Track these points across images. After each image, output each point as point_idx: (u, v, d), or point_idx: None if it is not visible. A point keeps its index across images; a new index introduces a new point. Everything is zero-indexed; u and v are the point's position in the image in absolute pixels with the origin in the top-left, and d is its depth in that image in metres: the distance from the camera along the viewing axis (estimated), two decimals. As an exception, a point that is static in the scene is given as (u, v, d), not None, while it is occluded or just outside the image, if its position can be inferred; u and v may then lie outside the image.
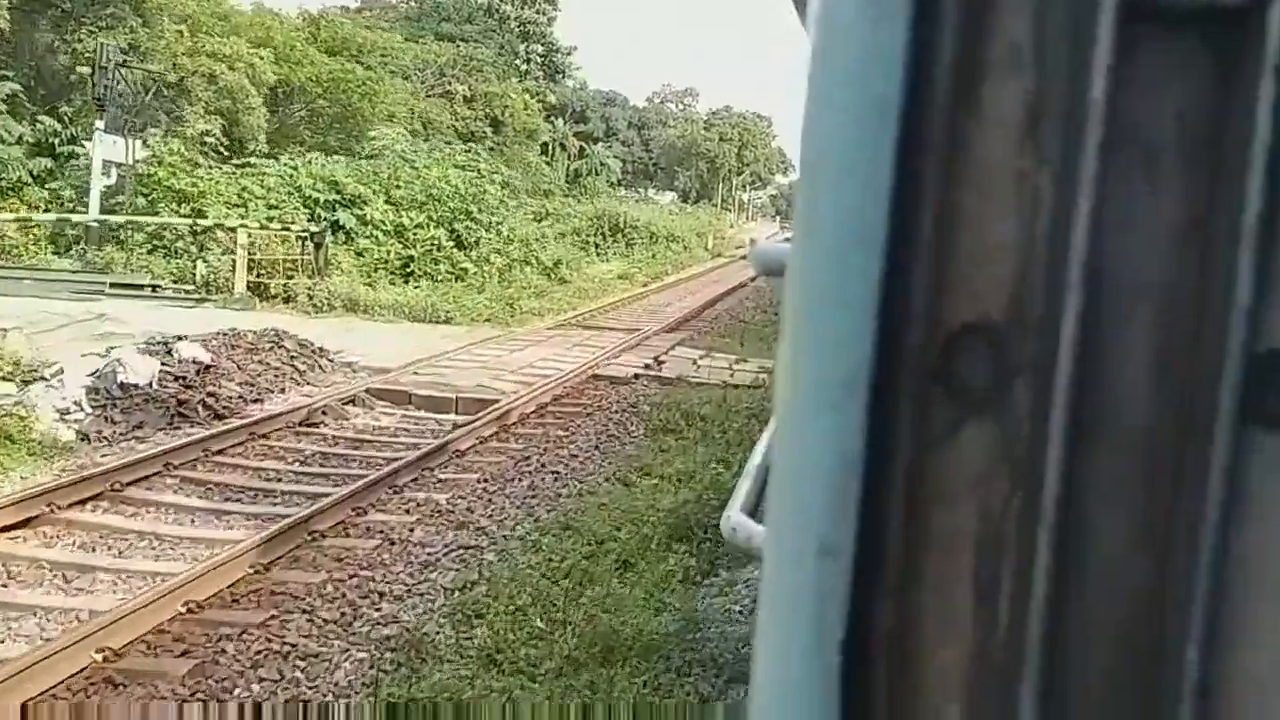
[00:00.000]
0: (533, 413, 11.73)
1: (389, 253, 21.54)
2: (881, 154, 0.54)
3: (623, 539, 7.86)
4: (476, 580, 6.75)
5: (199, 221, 18.33)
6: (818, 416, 0.57)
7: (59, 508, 7.18)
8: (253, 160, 21.75)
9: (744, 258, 54.11)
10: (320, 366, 12.96)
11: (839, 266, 0.56)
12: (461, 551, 7.29)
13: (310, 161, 21.08)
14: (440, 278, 22.10)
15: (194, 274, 18.11)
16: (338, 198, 21.14)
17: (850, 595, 0.56)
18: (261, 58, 25.56)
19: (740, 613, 6.84)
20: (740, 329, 21.39)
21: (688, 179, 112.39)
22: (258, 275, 18.56)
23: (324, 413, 10.83)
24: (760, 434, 11.32)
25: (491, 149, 52.13)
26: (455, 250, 22.81)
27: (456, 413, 11.61)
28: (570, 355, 15.41)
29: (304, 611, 5.85)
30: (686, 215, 59.43)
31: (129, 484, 7.92)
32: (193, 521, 7.52)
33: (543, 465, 9.70)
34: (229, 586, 6.07)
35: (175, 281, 17.84)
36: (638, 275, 34.63)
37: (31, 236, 18.98)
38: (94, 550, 6.73)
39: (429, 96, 51.10)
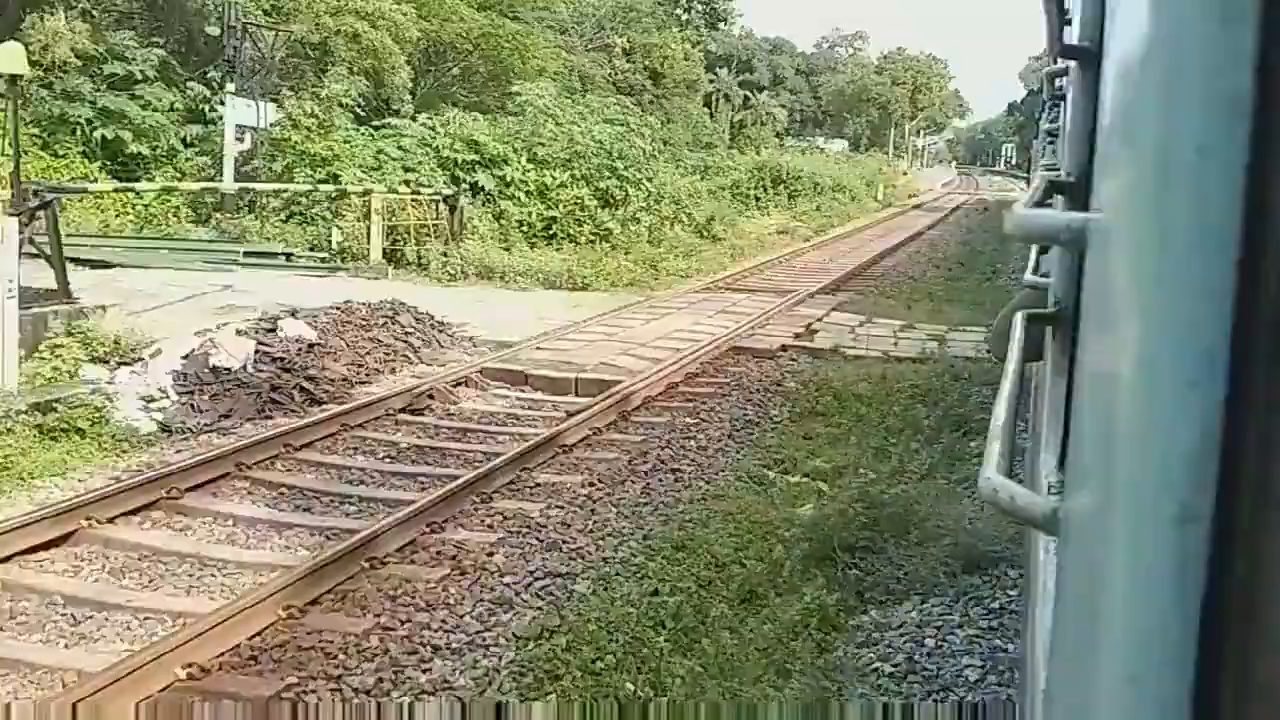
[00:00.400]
0: (660, 394, 10.45)
1: (530, 214, 20.56)
2: (1236, 148, 0.56)
3: (749, 563, 6.50)
4: (559, 625, 5.53)
5: (321, 187, 17.74)
6: (1177, 392, 0.59)
7: (98, 522, 6.34)
8: (391, 121, 21.08)
9: (916, 207, 51.19)
10: (439, 342, 12.00)
11: (1197, 254, 0.58)
12: (548, 581, 6.08)
13: (449, 121, 20.24)
14: (583, 239, 21.00)
15: (329, 241, 17.55)
16: (477, 158, 20.24)
17: (1208, 559, 0.58)
18: (405, 14, 24.86)
19: (891, 675, 5.39)
20: (908, 289, 19.52)
21: (857, 126, 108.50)
22: (393, 241, 17.87)
23: (431, 396, 9.83)
24: (927, 413, 9.73)
25: (651, 102, 51.03)
26: (600, 210, 21.64)
27: (576, 394, 10.45)
28: (710, 324, 14.03)
29: (329, 678, 4.74)
30: (854, 163, 56.72)
31: (189, 489, 7.06)
32: (247, 539, 6.56)
33: (662, 462, 8.41)
34: (250, 638, 5.03)
35: (311, 249, 17.30)
36: (799, 229, 32.84)
37: (170, 206, 18.84)
38: (121, 578, 5.83)
39: (587, 50, 50.12)
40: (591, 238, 21.21)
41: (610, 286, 17.64)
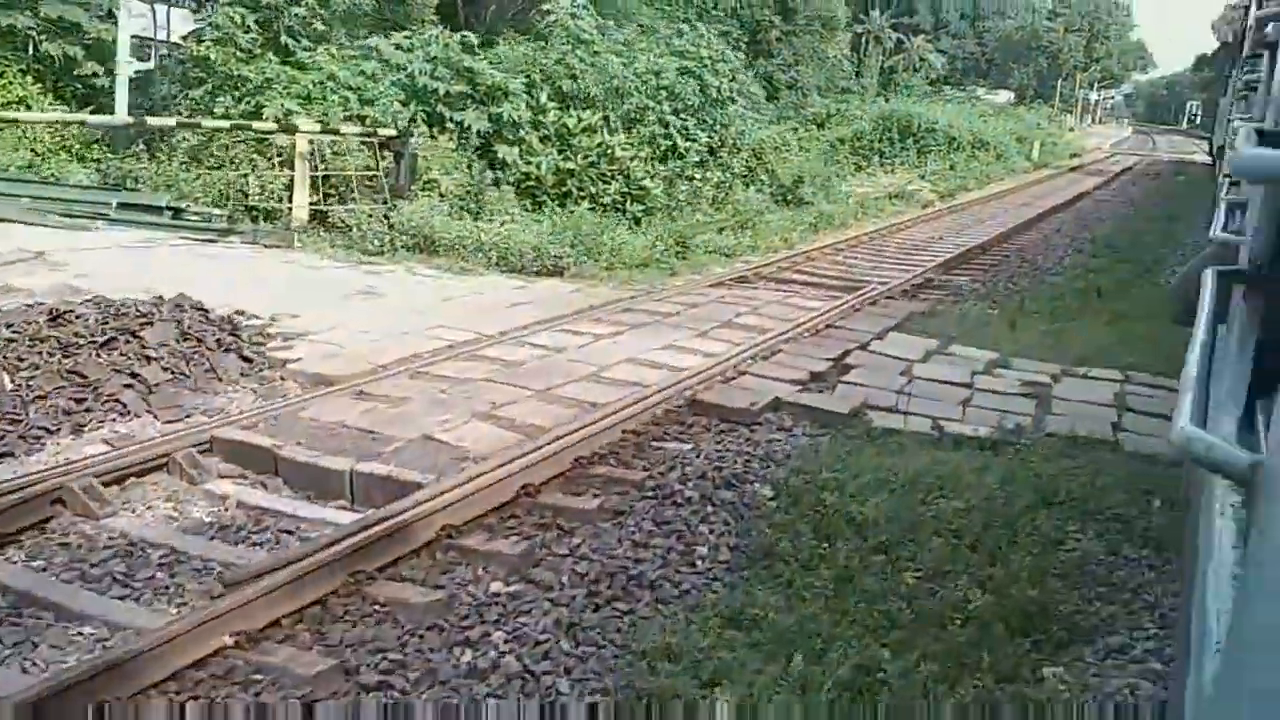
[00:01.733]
0: (492, 512, 5.86)
1: (540, 166, 15.95)
2: None
3: None
4: None
5: (219, 125, 13.40)
6: None
7: None
8: (354, 40, 16.59)
9: (1075, 169, 44.30)
10: (219, 372, 7.64)
11: None
12: None
13: (432, 41, 15.70)
14: (609, 200, 16.32)
15: (243, 193, 13.35)
16: (468, 90, 15.67)
17: None
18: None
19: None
20: (1021, 289, 14.20)
21: (1023, 75, 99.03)
22: (325, 196, 13.60)
23: (60, 502, 5.50)
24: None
25: (778, 39, 45.34)
26: (637, 164, 16.86)
27: (351, 499, 5.99)
28: (690, 348, 9.34)
29: None
30: (1007, 116, 49.64)
31: None
32: None
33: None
34: None
35: (215, 204, 13.14)
36: (922, 193, 27.25)
37: (61, 140, 14.98)
38: None
39: (708, -28, 44.58)
40: (619, 198, 16.49)
41: (606, 271, 12.97)
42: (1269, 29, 3.49)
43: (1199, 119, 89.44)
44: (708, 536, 5.85)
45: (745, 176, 20.62)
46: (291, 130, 13.18)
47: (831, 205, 21.51)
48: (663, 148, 17.92)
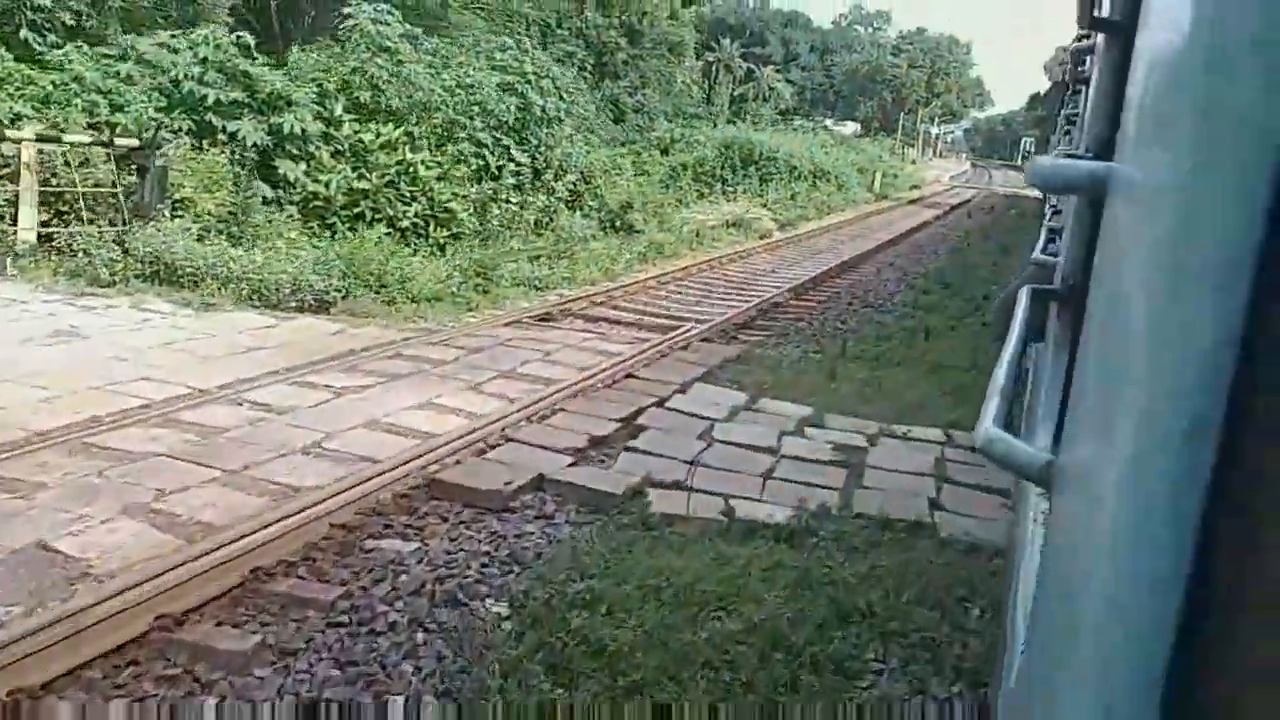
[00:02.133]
0: (84, 678, 4.24)
1: (329, 185, 14.23)
2: (1274, 116, 0.55)
3: None
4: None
5: None
6: (1201, 297, 0.58)
7: None
8: (112, 37, 14.53)
9: (914, 202, 44.62)
10: None
11: (1222, 213, 0.57)
12: None
13: (202, 41, 13.79)
14: (408, 223, 14.72)
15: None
16: (245, 97, 13.83)
17: (1213, 470, 0.59)
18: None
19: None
20: (848, 329, 13.21)
21: (869, 109, 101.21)
22: (59, 215, 11.60)
23: None
24: None
25: (625, 62, 44.32)
26: (443, 185, 15.32)
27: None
28: (457, 405, 7.84)
29: None
30: (849, 148, 49.97)
31: None
32: None
33: None
34: None
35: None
36: (761, 221, 26.42)
37: None
38: None
39: (556, -9, 43.20)
40: (420, 222, 14.91)
41: (386, 307, 11.36)
42: (1082, 68, 3.62)
43: (1033, 154, 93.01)
44: (408, 682, 4.39)
45: (571, 201, 19.28)
46: (11, 138, 11.12)
47: (665, 233, 20.36)
48: (474, 167, 16.42)
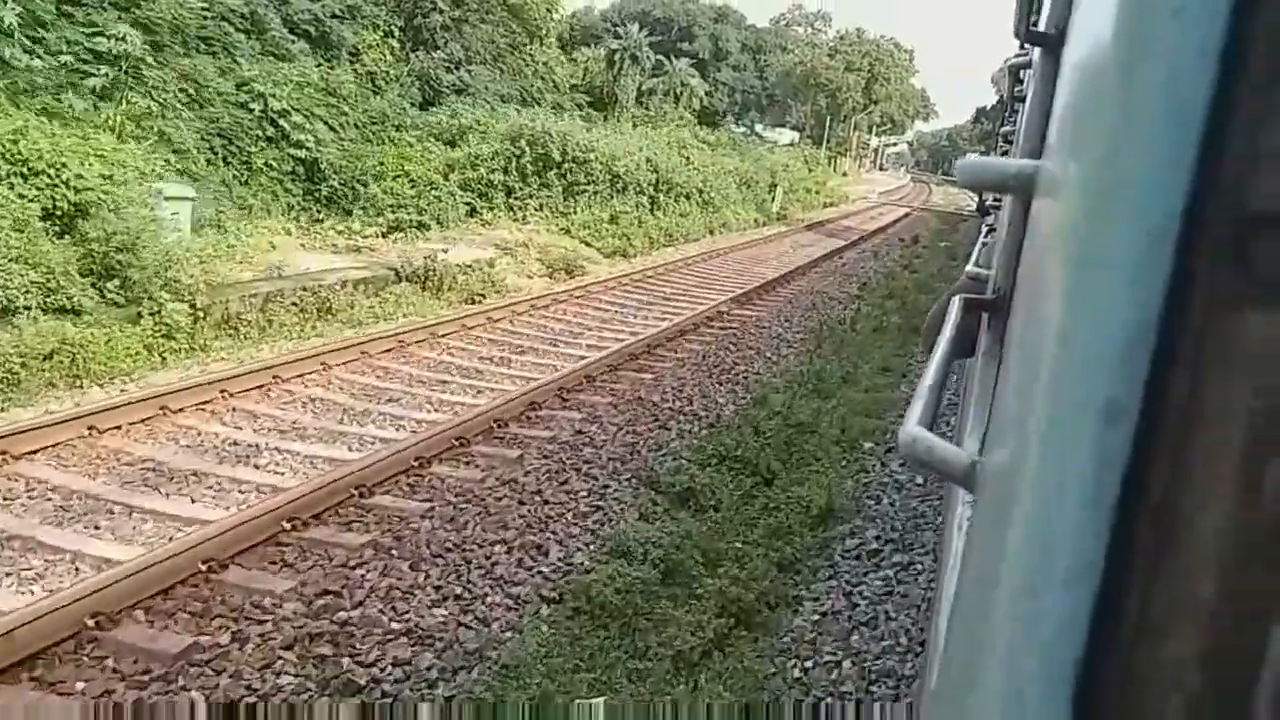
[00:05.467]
0: None
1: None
2: (1197, 108, 0.55)
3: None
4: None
5: None
6: (1115, 279, 0.58)
7: None
8: None
9: (815, 225, 36.17)
10: None
11: (1161, 141, 0.57)
12: None
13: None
14: None
15: None
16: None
17: (1129, 459, 0.58)
18: None
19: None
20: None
21: (801, 115, 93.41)
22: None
23: None
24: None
25: (444, 28, 34.17)
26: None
27: None
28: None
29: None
30: (737, 153, 41.08)
31: None
32: None
33: None
34: None
35: None
36: (529, 264, 17.81)
37: None
38: None
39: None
40: None
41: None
42: (1019, 87, 3.65)
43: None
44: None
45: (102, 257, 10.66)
46: None
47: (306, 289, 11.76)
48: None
